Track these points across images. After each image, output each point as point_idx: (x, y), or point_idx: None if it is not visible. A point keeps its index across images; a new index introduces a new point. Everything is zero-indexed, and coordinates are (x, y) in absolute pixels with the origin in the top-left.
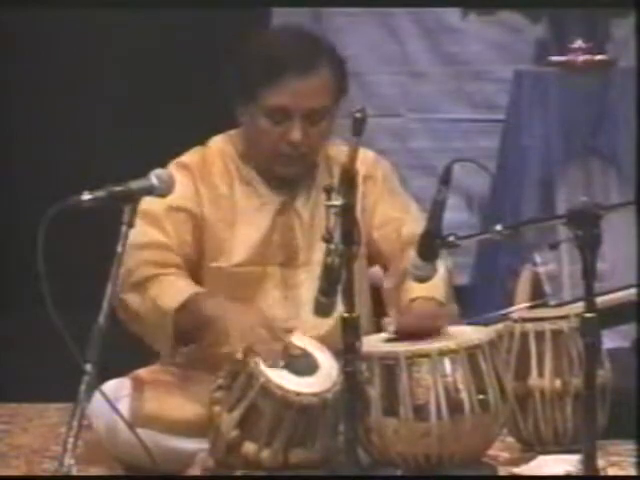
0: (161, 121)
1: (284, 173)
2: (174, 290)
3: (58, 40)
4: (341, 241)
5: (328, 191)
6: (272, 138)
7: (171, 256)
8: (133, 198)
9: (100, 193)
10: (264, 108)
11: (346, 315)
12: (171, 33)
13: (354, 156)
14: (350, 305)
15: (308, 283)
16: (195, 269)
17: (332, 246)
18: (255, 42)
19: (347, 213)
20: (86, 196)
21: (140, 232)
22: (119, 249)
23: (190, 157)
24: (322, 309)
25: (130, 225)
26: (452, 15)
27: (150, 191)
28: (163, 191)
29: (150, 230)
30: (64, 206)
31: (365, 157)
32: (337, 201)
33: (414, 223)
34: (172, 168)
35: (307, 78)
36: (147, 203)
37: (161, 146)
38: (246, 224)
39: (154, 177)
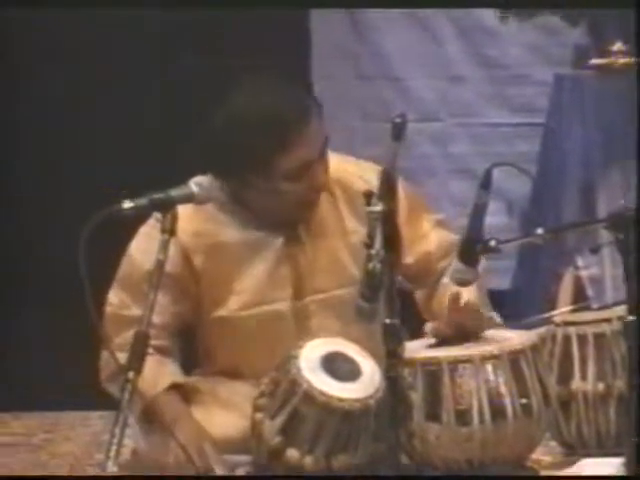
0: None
1: (298, 217)
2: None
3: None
4: (382, 247)
5: (368, 197)
6: (294, 195)
7: (153, 333)
8: (173, 206)
9: (141, 201)
10: (279, 173)
11: (388, 321)
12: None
13: (394, 160)
14: (391, 311)
15: (320, 313)
16: (197, 323)
17: (373, 251)
18: (244, 114)
19: (388, 219)
20: (127, 204)
21: (121, 304)
22: (160, 257)
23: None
24: (364, 315)
25: (171, 233)
26: (490, 18)
27: (190, 199)
28: (203, 199)
29: (129, 302)
30: (106, 215)
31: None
32: (377, 207)
33: (439, 236)
34: (152, 223)
35: (309, 125)
36: (127, 265)
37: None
38: (246, 265)
39: (194, 185)
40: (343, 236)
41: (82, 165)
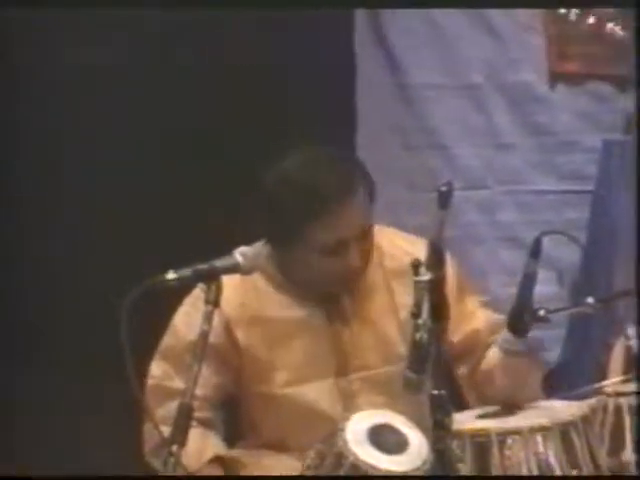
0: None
1: (336, 292)
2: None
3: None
4: (429, 317)
5: (416, 266)
6: (329, 270)
7: (196, 405)
8: (218, 276)
9: (185, 272)
10: (315, 245)
11: (435, 392)
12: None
13: (441, 229)
14: (439, 381)
15: (365, 390)
16: (240, 396)
17: (420, 321)
18: (288, 179)
19: (435, 287)
20: (171, 275)
21: (164, 376)
22: (205, 327)
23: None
24: (412, 386)
25: (215, 304)
26: (540, 85)
27: (235, 269)
28: (248, 269)
29: (172, 373)
30: (149, 286)
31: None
32: (425, 276)
33: (486, 315)
34: (197, 294)
35: (350, 205)
36: (171, 336)
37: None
38: (288, 341)
39: (239, 255)
40: (392, 312)
41: (82, 165)
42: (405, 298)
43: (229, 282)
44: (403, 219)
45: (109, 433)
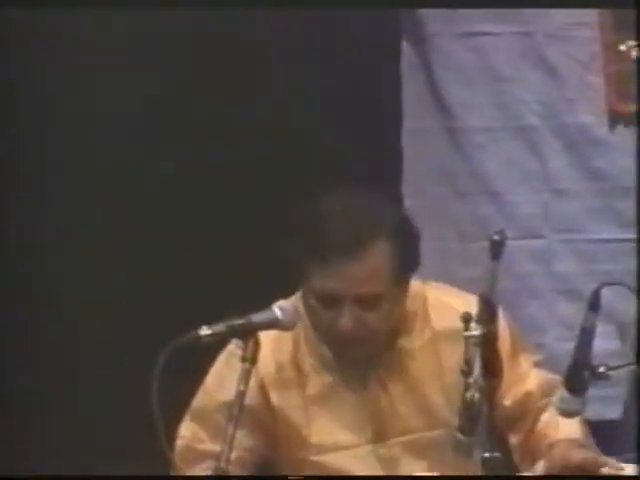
0: None
1: (346, 357)
2: None
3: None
4: (481, 374)
5: (466, 320)
6: (324, 322)
7: (229, 469)
8: (254, 332)
9: (219, 327)
10: (313, 290)
11: (487, 455)
12: None
13: (493, 281)
14: (492, 444)
15: (406, 455)
16: (273, 459)
17: (471, 380)
18: (304, 216)
19: (487, 343)
20: (204, 331)
21: (194, 438)
22: (241, 387)
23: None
24: (462, 449)
25: (253, 362)
26: (598, 128)
27: (274, 325)
28: (287, 325)
29: (203, 435)
30: (181, 344)
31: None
32: (476, 331)
33: (539, 376)
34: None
35: (356, 261)
36: (202, 396)
37: None
38: (323, 407)
39: (278, 309)
40: (437, 375)
41: (82, 165)
42: (453, 360)
43: (264, 339)
44: (453, 271)
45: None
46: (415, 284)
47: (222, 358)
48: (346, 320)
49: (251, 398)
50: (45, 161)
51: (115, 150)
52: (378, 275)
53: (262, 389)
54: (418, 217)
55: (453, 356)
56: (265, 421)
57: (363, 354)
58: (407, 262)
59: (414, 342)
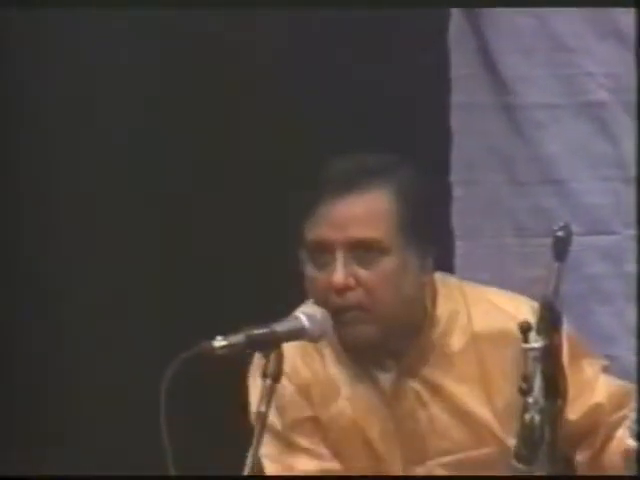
0: None
1: (353, 339)
2: None
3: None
4: (542, 393)
5: (525, 331)
6: (319, 288)
7: None
8: (278, 344)
9: (237, 338)
10: (307, 248)
11: None
12: None
13: (557, 284)
14: (554, 473)
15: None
16: None
17: (531, 400)
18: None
19: (549, 357)
20: (219, 342)
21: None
22: (262, 408)
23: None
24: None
25: (276, 379)
26: None
27: (300, 334)
28: (316, 334)
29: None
30: (192, 356)
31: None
32: (537, 343)
33: (608, 384)
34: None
35: (347, 200)
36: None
37: None
38: (355, 426)
39: (304, 317)
40: (482, 384)
41: (82, 165)
42: (499, 366)
43: (289, 349)
44: (509, 271)
45: None
46: (451, 280)
47: (254, 377)
48: (338, 272)
49: (304, 409)
50: (45, 161)
51: (115, 150)
52: (373, 218)
53: (306, 396)
54: (470, 209)
55: (499, 361)
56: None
57: (376, 337)
58: (418, 225)
59: (453, 345)
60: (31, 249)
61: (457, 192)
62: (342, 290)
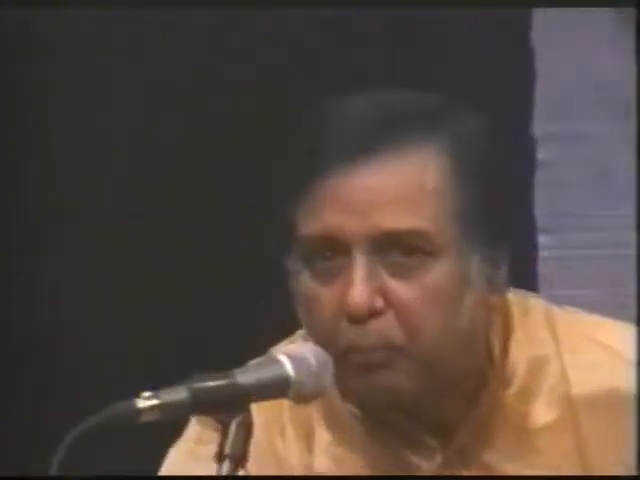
0: None
1: (373, 398)
2: None
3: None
4: None
5: None
6: (322, 312)
7: None
8: (243, 405)
9: (174, 395)
10: (301, 248)
11: None
12: None
13: None
14: None
15: None
16: None
17: None
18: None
19: None
20: (144, 402)
21: None
22: None
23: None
24: None
25: (238, 462)
26: None
27: (280, 390)
28: (307, 391)
29: None
30: (99, 424)
31: None
32: None
33: None
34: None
35: (368, 169)
36: None
37: None
38: None
39: (288, 361)
40: (575, 460)
41: (82, 165)
42: (600, 439)
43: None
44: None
45: None
46: (536, 303)
47: (177, 455)
48: (358, 289)
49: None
50: (45, 161)
51: (115, 150)
52: (412, 199)
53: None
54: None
55: (600, 433)
56: None
57: (412, 395)
58: (485, 212)
59: (537, 416)
60: (31, 249)
61: (540, 154)
62: (362, 316)
